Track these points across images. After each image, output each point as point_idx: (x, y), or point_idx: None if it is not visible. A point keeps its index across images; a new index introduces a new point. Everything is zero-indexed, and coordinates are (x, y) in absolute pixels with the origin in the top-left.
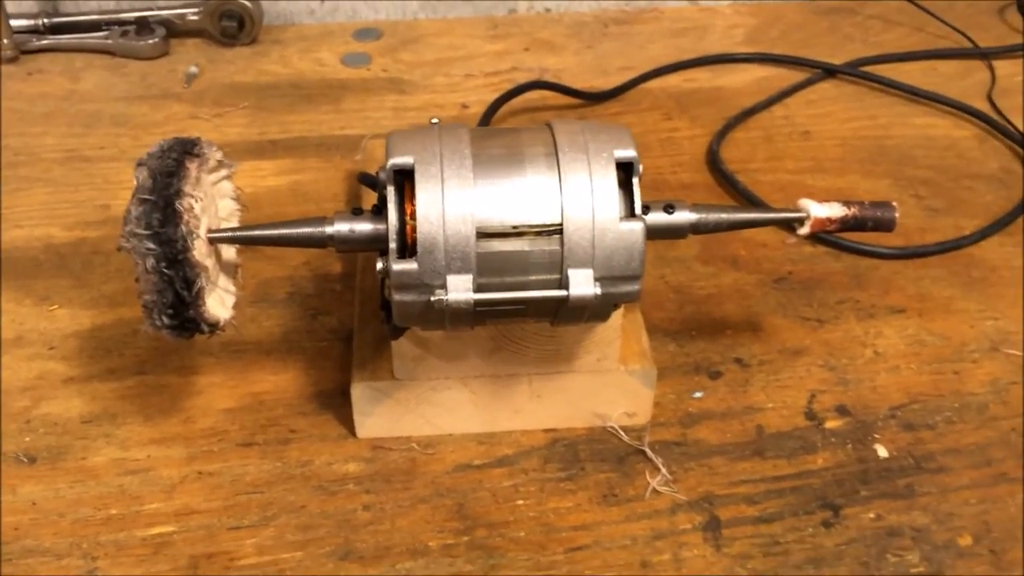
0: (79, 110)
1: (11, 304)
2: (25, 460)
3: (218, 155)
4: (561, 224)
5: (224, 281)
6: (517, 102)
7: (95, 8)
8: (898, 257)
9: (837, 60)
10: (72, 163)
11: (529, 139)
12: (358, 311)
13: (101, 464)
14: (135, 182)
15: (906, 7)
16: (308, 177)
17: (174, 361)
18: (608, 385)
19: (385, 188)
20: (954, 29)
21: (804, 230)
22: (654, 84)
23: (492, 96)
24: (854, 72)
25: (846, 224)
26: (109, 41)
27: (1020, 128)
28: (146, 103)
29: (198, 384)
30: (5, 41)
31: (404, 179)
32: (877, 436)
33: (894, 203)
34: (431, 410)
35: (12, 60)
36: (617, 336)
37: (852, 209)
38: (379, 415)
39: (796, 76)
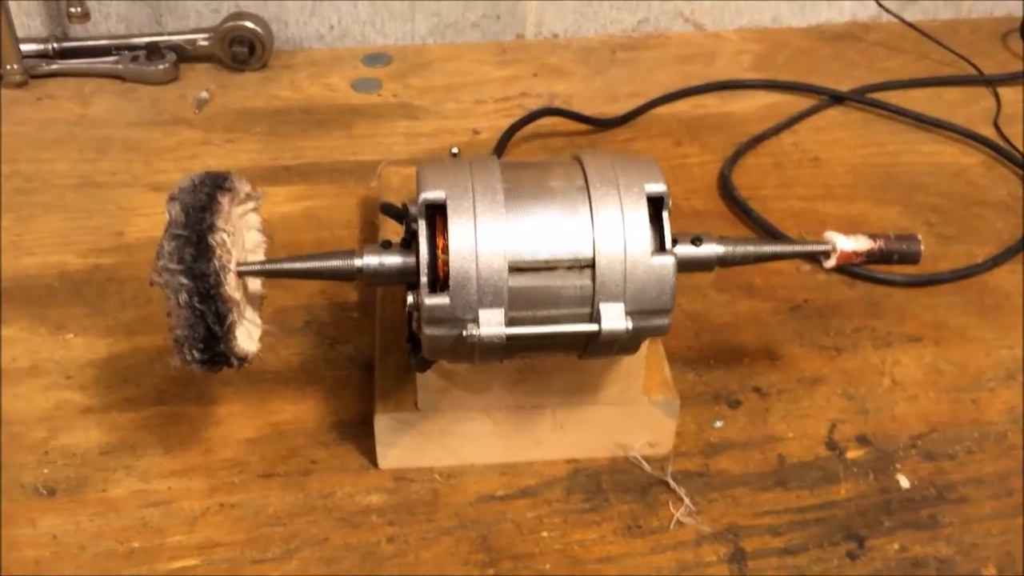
0: (90, 135)
1: (26, 333)
2: (44, 492)
3: (247, 188)
4: (593, 259)
5: (251, 313)
6: (529, 128)
7: (105, 33)
8: (912, 285)
9: (843, 87)
10: (84, 189)
11: (560, 173)
12: (379, 340)
13: (121, 496)
14: (167, 216)
15: (910, 33)
16: (321, 203)
17: (192, 391)
18: (632, 416)
19: (416, 222)
20: (958, 56)
21: (830, 263)
22: (663, 110)
23: (503, 122)
24: (861, 99)
25: (872, 257)
26: (119, 66)
27: None
28: (157, 128)
29: (217, 414)
30: (15, 66)
31: (435, 212)
32: (898, 466)
33: (919, 236)
34: (454, 441)
35: (22, 85)
36: (641, 367)
37: (878, 242)
38: (402, 446)
39: (804, 102)
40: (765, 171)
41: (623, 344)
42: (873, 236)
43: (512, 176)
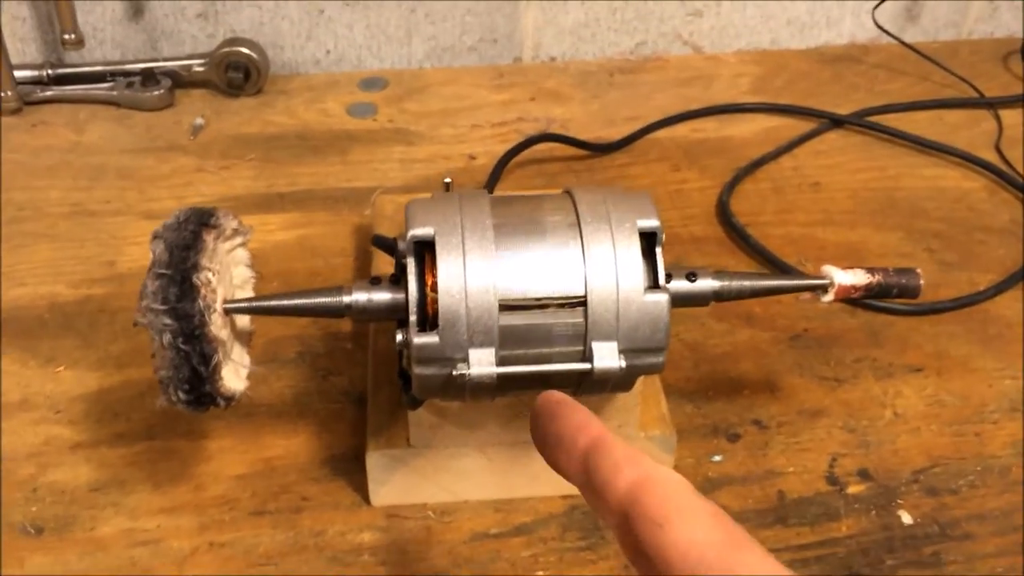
0: (84, 163)
1: (16, 366)
2: (32, 531)
3: (234, 223)
4: (585, 296)
5: (238, 350)
6: (526, 154)
7: (100, 59)
8: (914, 313)
9: (843, 110)
10: (77, 218)
11: (551, 208)
12: (372, 374)
13: (110, 535)
14: (151, 255)
15: (910, 55)
16: (316, 231)
17: (183, 425)
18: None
19: (405, 258)
20: (959, 78)
21: (828, 297)
22: (662, 134)
23: (499, 147)
24: (861, 122)
25: (871, 291)
26: (114, 92)
27: None
28: (152, 155)
29: (208, 449)
30: (9, 93)
31: (424, 249)
32: (900, 501)
33: (918, 270)
34: (447, 477)
35: (16, 112)
36: (637, 403)
37: (876, 276)
38: (394, 483)
39: (803, 126)
40: (764, 196)
41: (616, 382)
42: (871, 270)
43: (502, 212)
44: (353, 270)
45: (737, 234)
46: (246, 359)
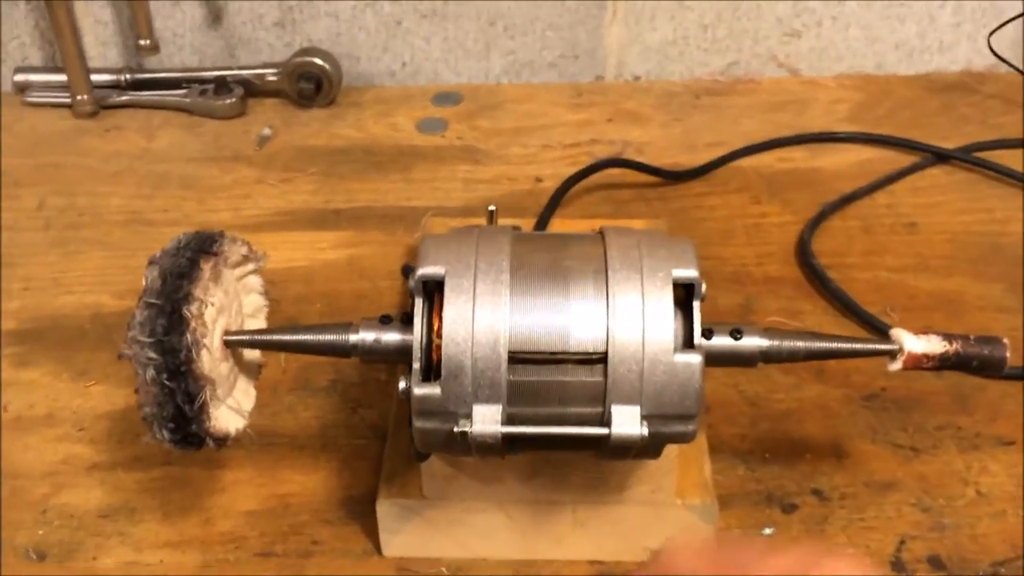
0: (149, 170)
1: (49, 378)
2: (35, 557)
3: (242, 250)
4: (606, 353)
5: (243, 385)
6: (595, 178)
7: (179, 64)
8: (1009, 378)
9: (950, 144)
10: (133, 226)
11: (577, 251)
12: (394, 413)
13: (111, 566)
14: (143, 282)
15: None
16: (367, 251)
17: (202, 452)
18: (662, 519)
19: (412, 299)
20: None
21: (896, 366)
22: (745, 162)
23: (568, 169)
24: (968, 158)
25: (946, 362)
26: (187, 99)
27: None
28: (216, 165)
29: (223, 480)
30: (85, 96)
31: (435, 289)
32: None
33: (1005, 340)
34: (463, 532)
35: (92, 115)
36: (674, 464)
37: (954, 345)
38: (407, 533)
39: (903, 160)
40: (852, 235)
41: (639, 450)
42: (949, 337)
43: (522, 252)
44: (399, 295)
45: (816, 277)
46: (251, 393)
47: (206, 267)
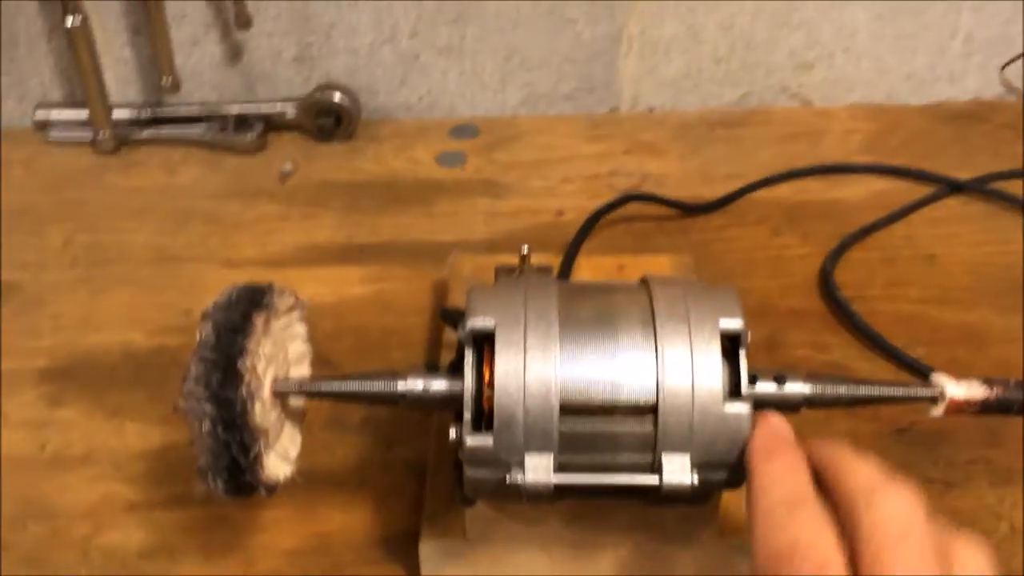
0: (172, 206)
1: (82, 417)
2: None
3: (289, 300)
4: (656, 403)
5: (289, 431)
6: (616, 211)
7: (198, 100)
8: None
9: (965, 174)
10: (160, 263)
11: (624, 301)
12: (433, 452)
13: None
14: (198, 335)
15: None
16: (394, 286)
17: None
18: (706, 559)
19: (463, 349)
20: None
21: (937, 412)
22: (763, 194)
23: (588, 202)
24: (984, 188)
25: (988, 407)
26: (208, 135)
27: None
28: (239, 200)
29: (263, 518)
30: (106, 133)
31: (484, 340)
32: None
33: None
34: (505, 573)
35: (113, 151)
36: (716, 508)
37: (995, 390)
38: (449, 574)
39: (919, 190)
40: (873, 267)
41: (689, 499)
42: (990, 381)
43: (570, 303)
44: (427, 331)
45: (841, 309)
46: (297, 439)
47: (258, 321)
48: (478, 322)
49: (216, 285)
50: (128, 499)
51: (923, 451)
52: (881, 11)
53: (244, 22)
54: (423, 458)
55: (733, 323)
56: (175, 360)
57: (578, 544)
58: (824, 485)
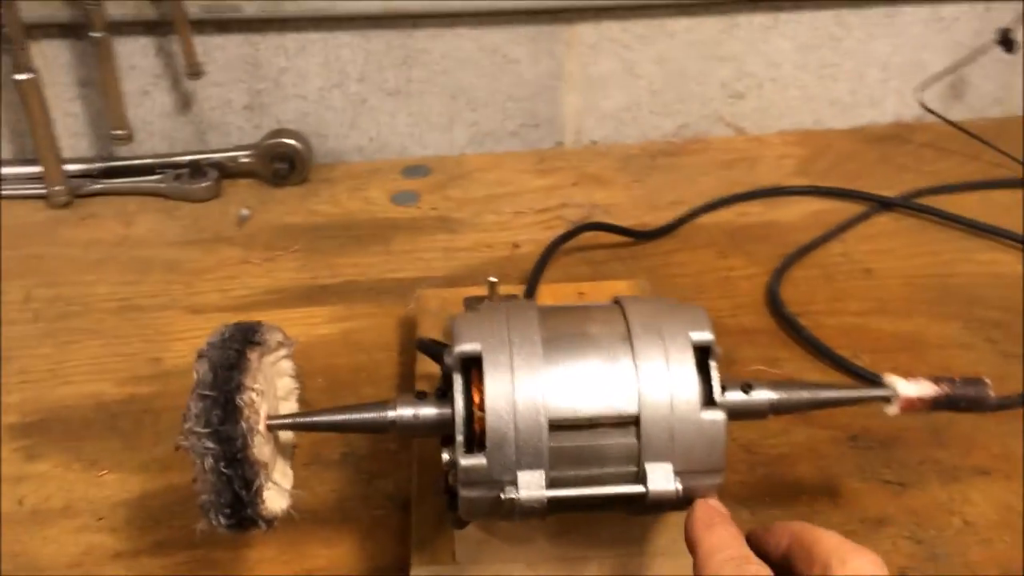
0: (132, 256)
1: (60, 469)
2: None
3: (278, 336)
4: (638, 415)
5: (281, 465)
6: (570, 241)
7: (149, 151)
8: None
9: (891, 191)
10: (124, 313)
11: (600, 319)
12: (416, 482)
13: None
14: (195, 375)
15: (958, 135)
16: (360, 324)
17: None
18: (685, 568)
19: (451, 374)
20: (1010, 157)
21: (892, 410)
22: (706, 219)
23: (542, 234)
24: (911, 204)
25: (938, 404)
26: (162, 184)
27: None
28: (198, 247)
29: (249, 559)
30: (59, 187)
31: (471, 365)
32: None
33: (987, 380)
34: None
35: (65, 205)
36: None
37: (943, 387)
38: None
39: (851, 209)
40: (814, 284)
41: (673, 505)
42: (938, 380)
43: (550, 325)
44: (397, 365)
45: (789, 325)
46: (289, 473)
47: (253, 357)
48: (465, 347)
49: (184, 332)
50: (113, 548)
51: (876, 455)
52: (804, 41)
53: (195, 72)
54: (405, 490)
55: (704, 336)
56: (148, 408)
57: (564, 559)
58: (795, 554)
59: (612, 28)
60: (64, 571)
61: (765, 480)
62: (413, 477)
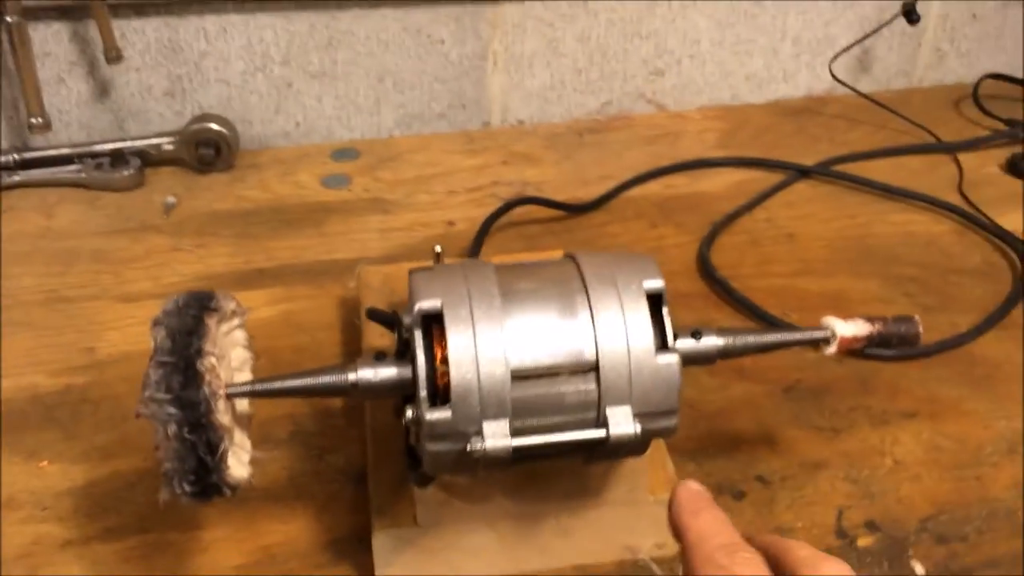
0: (56, 247)
1: None
2: None
3: (232, 304)
4: (596, 361)
5: (239, 436)
6: (504, 217)
7: (67, 141)
8: (900, 359)
9: (808, 160)
10: (53, 304)
11: (556, 274)
12: (371, 451)
13: None
14: (152, 342)
15: (866, 105)
16: (299, 306)
17: (175, 516)
18: (638, 517)
19: (411, 332)
20: (915, 125)
21: (831, 349)
22: (635, 192)
23: (476, 211)
24: (827, 171)
25: (872, 341)
26: (83, 174)
27: (994, 220)
28: (125, 236)
29: (203, 540)
30: None
31: (431, 322)
32: (911, 552)
33: (916, 318)
34: (457, 556)
35: None
36: (645, 465)
37: (876, 326)
38: (402, 563)
39: (772, 178)
40: (742, 249)
41: (632, 448)
42: (871, 319)
43: (507, 280)
44: (340, 344)
45: (721, 288)
46: (247, 444)
47: (211, 322)
48: (425, 304)
49: (116, 321)
50: (61, 537)
51: (810, 404)
52: (720, 18)
53: (114, 56)
54: (356, 464)
55: (656, 283)
56: (85, 398)
57: (522, 516)
58: (768, 564)
59: (536, 7)
60: (13, 563)
61: (708, 433)
62: (369, 446)
